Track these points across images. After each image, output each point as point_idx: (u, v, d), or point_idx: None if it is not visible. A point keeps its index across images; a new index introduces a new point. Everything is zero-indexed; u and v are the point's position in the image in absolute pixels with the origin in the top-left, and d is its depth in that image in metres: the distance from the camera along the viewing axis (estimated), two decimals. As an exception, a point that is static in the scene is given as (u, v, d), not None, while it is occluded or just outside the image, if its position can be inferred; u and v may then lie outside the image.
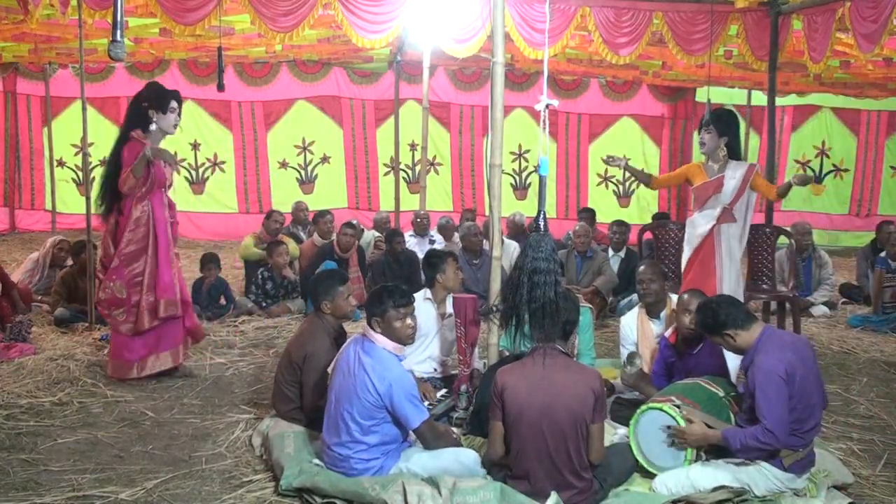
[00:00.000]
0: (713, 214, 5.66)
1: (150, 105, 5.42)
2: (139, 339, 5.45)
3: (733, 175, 5.60)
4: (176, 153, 6.06)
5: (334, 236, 8.02)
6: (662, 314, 5.03)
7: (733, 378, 4.69)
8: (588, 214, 9.64)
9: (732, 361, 4.67)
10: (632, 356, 4.80)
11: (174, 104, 5.44)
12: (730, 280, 5.57)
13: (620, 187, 13.12)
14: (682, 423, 3.87)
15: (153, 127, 5.43)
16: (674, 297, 4.98)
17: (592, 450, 3.63)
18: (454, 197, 12.80)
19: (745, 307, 4.04)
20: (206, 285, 7.52)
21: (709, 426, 3.87)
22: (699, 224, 5.75)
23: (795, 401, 3.69)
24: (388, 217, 9.93)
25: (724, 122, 5.71)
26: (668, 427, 3.90)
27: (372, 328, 3.92)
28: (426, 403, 4.78)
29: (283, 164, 12.44)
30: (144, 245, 5.40)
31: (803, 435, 3.76)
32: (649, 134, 13.06)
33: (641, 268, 5.18)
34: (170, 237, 5.51)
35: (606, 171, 13.04)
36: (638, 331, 5.13)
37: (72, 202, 12.19)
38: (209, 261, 7.65)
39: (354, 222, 8.57)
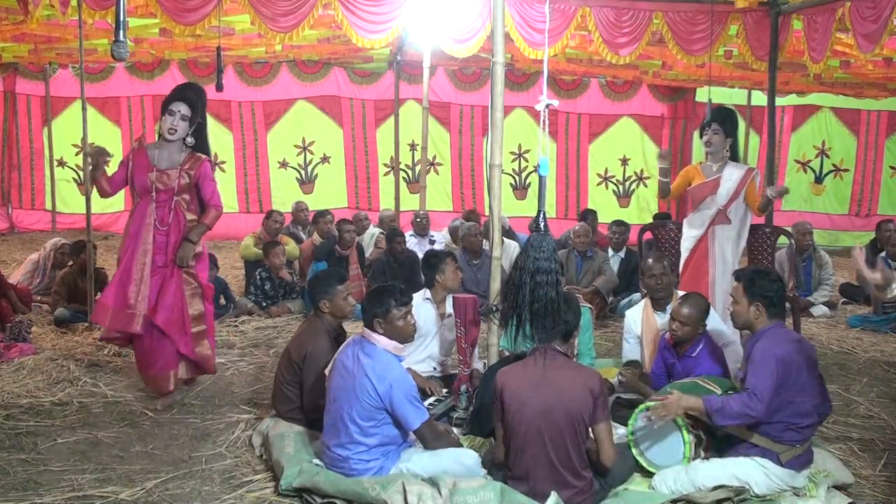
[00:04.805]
0: (708, 215, 5.67)
1: (162, 109, 5.12)
2: (138, 355, 5.17)
3: (730, 177, 5.61)
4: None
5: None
6: (669, 307, 4.99)
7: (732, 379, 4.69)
8: (591, 215, 9.63)
9: (733, 364, 4.67)
10: (628, 364, 4.88)
11: (174, 106, 5.00)
12: (723, 282, 5.56)
13: (620, 187, 13.12)
14: (680, 422, 3.88)
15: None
16: (679, 294, 4.98)
17: (603, 452, 3.62)
18: (454, 197, 12.79)
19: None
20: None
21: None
22: (694, 225, 5.76)
23: (793, 393, 3.71)
24: (394, 215, 9.93)
25: (731, 122, 5.74)
26: (647, 409, 3.91)
27: (373, 329, 3.91)
28: (432, 399, 4.80)
29: (283, 164, 12.44)
30: (123, 247, 5.14)
31: (801, 430, 3.78)
32: (649, 134, 13.04)
33: (650, 261, 5.16)
34: (143, 250, 4.99)
35: (606, 170, 13.04)
36: (642, 324, 5.12)
37: (72, 202, 12.21)
38: (206, 261, 7.64)
39: (363, 215, 8.76)
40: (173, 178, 5.01)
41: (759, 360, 3.73)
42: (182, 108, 5.00)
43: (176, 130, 5.00)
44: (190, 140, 5.07)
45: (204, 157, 5.16)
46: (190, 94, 5.07)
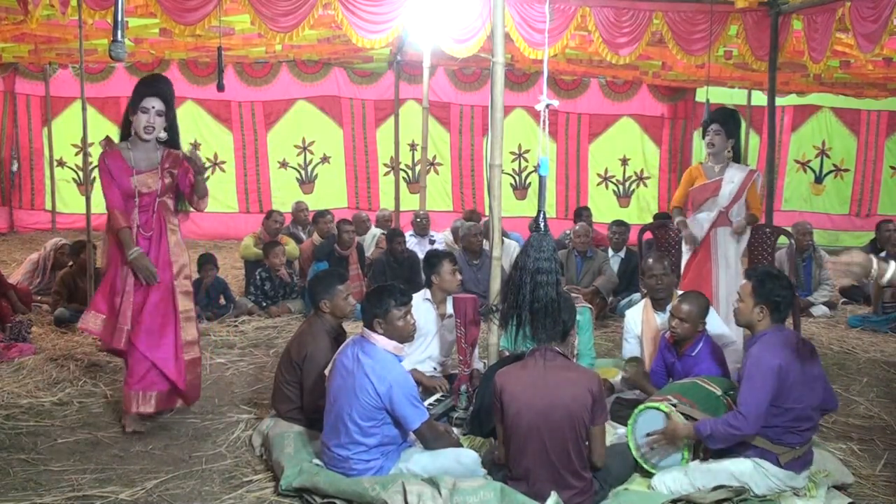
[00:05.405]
0: (709, 217, 5.66)
1: (129, 107, 4.60)
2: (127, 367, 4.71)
3: (732, 179, 5.61)
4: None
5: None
6: (669, 306, 4.98)
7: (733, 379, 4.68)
8: (585, 212, 9.67)
9: (733, 364, 4.67)
10: (631, 360, 4.85)
11: (147, 102, 4.53)
12: (727, 284, 5.55)
13: (620, 187, 13.12)
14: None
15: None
16: (679, 293, 4.98)
17: (594, 452, 3.63)
18: (454, 197, 12.80)
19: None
20: (203, 286, 7.52)
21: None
22: (695, 227, 5.75)
23: (791, 400, 3.70)
24: (389, 215, 9.94)
25: (733, 123, 5.75)
26: (649, 434, 3.91)
27: (373, 329, 3.91)
28: (432, 399, 4.80)
29: (283, 164, 12.44)
30: (108, 255, 4.74)
31: (801, 433, 3.77)
32: (649, 134, 13.05)
33: (650, 261, 5.14)
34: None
35: (606, 170, 13.04)
36: (642, 324, 5.12)
37: (72, 202, 12.22)
38: (206, 262, 7.65)
39: (364, 216, 8.82)
40: (155, 181, 4.60)
41: (752, 372, 3.69)
42: (156, 104, 4.56)
43: (153, 128, 4.57)
44: (163, 136, 4.65)
45: (181, 153, 4.76)
46: (163, 88, 4.64)
